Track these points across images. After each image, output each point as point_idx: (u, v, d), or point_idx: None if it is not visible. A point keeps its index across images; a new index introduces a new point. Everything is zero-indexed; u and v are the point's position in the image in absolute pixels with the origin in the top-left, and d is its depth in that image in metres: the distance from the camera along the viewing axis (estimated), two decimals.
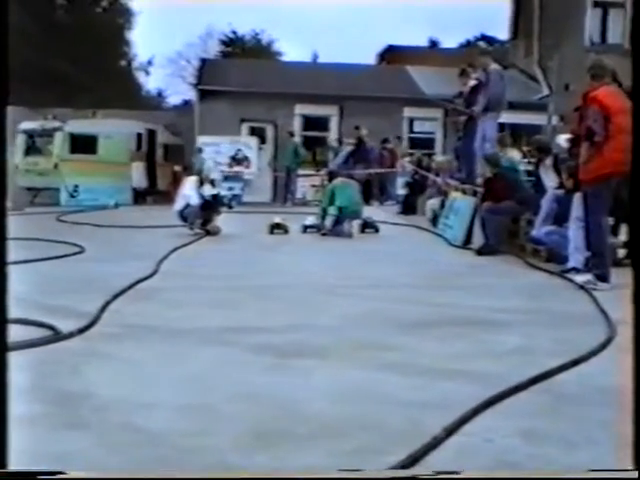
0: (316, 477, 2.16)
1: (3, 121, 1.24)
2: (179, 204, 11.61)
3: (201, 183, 11.69)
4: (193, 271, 7.84)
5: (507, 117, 13.82)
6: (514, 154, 11.23)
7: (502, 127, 14.88)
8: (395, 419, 3.17)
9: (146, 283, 6.72)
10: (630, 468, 1.97)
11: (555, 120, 17.71)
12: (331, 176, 12.68)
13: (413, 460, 2.68)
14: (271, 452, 2.79)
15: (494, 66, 11.41)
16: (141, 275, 6.85)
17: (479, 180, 10.83)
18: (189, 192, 11.55)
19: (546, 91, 21.02)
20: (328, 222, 11.56)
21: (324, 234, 11.45)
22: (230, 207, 11.04)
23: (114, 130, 20.17)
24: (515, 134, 17.36)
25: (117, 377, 3.76)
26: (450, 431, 2.95)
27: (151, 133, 21.94)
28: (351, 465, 2.67)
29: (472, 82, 11.68)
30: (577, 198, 7.28)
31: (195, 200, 11.43)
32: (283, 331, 4.89)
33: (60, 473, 1.75)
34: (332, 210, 11.57)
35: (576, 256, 7.32)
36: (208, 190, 11.57)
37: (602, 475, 2.18)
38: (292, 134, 21.09)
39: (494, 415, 3.22)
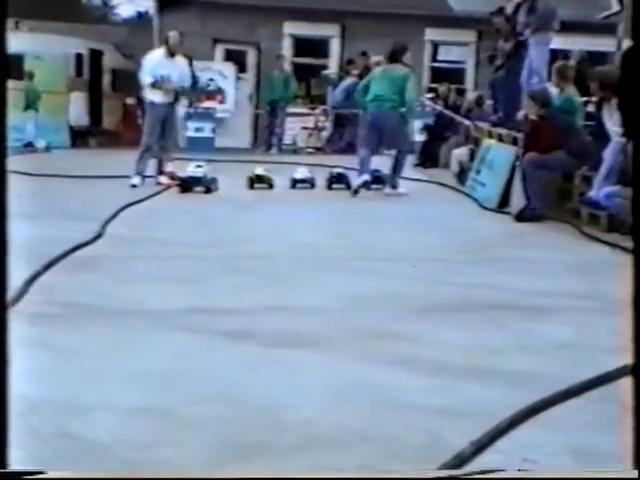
0: (317, 477, 2.26)
1: (3, 120, 1.51)
2: None
3: None
4: (148, 235, 7.82)
5: (561, 41, 13.74)
6: (570, 91, 11.16)
7: (554, 55, 14.79)
8: (407, 430, 3.17)
9: (87, 250, 6.70)
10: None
11: (627, 45, 17.58)
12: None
13: None
14: (247, 468, 2.79)
15: None
16: (80, 239, 6.83)
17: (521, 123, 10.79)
18: None
19: (615, 6, 20.83)
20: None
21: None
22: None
23: (46, 49, 20.01)
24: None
25: (48, 371, 3.74)
26: (479, 447, 2.95)
27: (95, 54, 21.80)
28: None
29: None
30: None
31: None
32: (264, 314, 4.89)
33: (40, 473, 1.92)
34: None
35: None
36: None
37: (602, 475, 2.39)
38: (281, 60, 20.96)
39: (537, 428, 3.22)
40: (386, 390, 3.63)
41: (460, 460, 2.85)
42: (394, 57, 11.89)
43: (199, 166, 11.39)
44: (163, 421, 3.21)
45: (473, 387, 3.69)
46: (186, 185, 11.12)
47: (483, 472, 2.39)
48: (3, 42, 1.75)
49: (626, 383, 3.73)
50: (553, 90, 10.77)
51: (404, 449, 3.01)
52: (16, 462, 2.76)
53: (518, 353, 4.25)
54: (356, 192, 11.31)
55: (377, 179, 12.02)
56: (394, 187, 11.66)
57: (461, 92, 19.05)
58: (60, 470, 2.50)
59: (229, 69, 21.22)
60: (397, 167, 11.78)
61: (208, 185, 11.12)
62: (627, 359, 3.92)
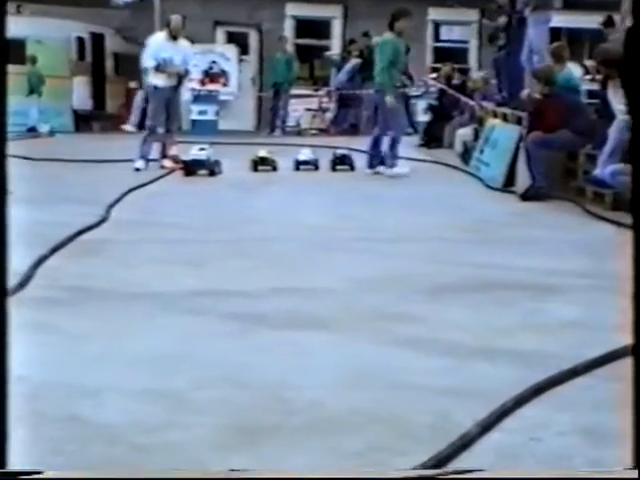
0: (317, 477, 2.25)
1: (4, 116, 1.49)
2: None
3: None
4: (153, 219, 7.82)
5: (563, 20, 13.68)
6: (573, 69, 11.14)
7: (557, 34, 14.73)
8: (415, 410, 3.17)
9: (92, 234, 6.70)
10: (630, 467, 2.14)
11: (630, 22, 17.51)
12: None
13: (437, 462, 2.68)
14: (255, 451, 2.79)
15: None
16: (85, 223, 6.84)
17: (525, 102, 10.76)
18: None
19: None
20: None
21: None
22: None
23: (47, 33, 19.94)
24: (574, 43, 17.19)
25: (55, 355, 3.75)
26: (486, 426, 2.95)
27: (97, 38, 21.71)
28: (358, 468, 2.67)
29: None
30: None
31: None
32: (270, 296, 4.89)
33: (37, 472, 1.91)
34: None
35: None
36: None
37: (602, 475, 2.40)
38: (283, 41, 20.87)
39: (544, 406, 3.22)
40: (394, 371, 3.63)
41: (467, 439, 2.85)
42: (389, 25, 11.44)
43: (203, 149, 11.38)
44: (171, 404, 3.22)
45: (481, 367, 3.69)
46: (190, 168, 11.10)
47: (462, 472, 2.37)
48: (2, 25, 1.73)
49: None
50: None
51: (413, 429, 3.01)
52: (23, 445, 2.76)
53: (525, 332, 4.25)
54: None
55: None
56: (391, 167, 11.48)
57: (464, 72, 18.96)
58: (59, 470, 2.47)
59: (231, 52, 21.14)
60: (391, 147, 11.58)
61: (212, 168, 11.10)
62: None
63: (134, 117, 19.55)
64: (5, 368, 1.64)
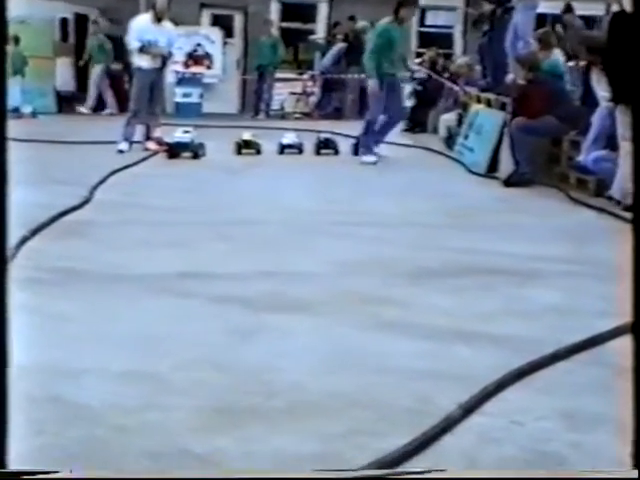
0: (317, 477, 2.27)
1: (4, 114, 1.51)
2: None
3: None
4: (137, 201, 7.79)
5: (548, 6, 13.66)
6: (558, 56, 11.12)
7: (542, 20, 14.72)
8: (397, 393, 3.18)
9: (75, 215, 6.68)
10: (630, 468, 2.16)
11: (616, 8, 17.46)
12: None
13: (419, 445, 2.69)
14: (236, 434, 2.79)
15: None
16: (68, 205, 6.81)
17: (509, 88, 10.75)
18: None
19: None
20: None
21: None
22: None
23: (31, 13, 19.78)
24: (559, 29, 17.17)
25: (37, 336, 3.73)
26: (467, 410, 2.97)
27: (81, 19, 21.56)
28: (339, 452, 2.68)
29: None
30: (620, 111, 7.38)
31: None
32: (253, 279, 4.89)
33: (40, 473, 1.91)
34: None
35: (622, 185, 7.45)
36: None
37: (602, 475, 2.40)
38: (268, 24, 20.79)
39: (525, 391, 3.24)
40: (375, 354, 3.64)
41: (449, 422, 2.86)
42: (394, 12, 11.21)
43: (186, 132, 11.33)
44: (152, 386, 3.21)
45: (462, 351, 3.70)
46: (173, 151, 11.06)
47: (422, 472, 2.38)
48: (3, 5, 1.74)
49: (614, 346, 3.76)
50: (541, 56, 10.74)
51: (393, 412, 3.02)
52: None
53: (506, 317, 4.26)
54: None
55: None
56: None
57: (448, 57, 18.94)
58: (63, 470, 2.49)
59: (216, 34, 21.05)
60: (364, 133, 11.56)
61: (195, 150, 11.06)
62: (614, 322, 3.95)
63: (90, 99, 19.51)
64: (5, 368, 1.65)
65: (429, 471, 2.40)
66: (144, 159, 10.77)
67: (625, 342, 3.83)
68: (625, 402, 3.19)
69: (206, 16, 21.88)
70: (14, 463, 1.96)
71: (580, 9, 19.22)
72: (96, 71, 19.68)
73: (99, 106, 19.47)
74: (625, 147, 7.52)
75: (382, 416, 2.98)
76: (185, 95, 19.13)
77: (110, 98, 19.41)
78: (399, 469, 2.48)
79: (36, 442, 2.68)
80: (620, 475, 2.30)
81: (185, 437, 2.77)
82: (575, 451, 2.75)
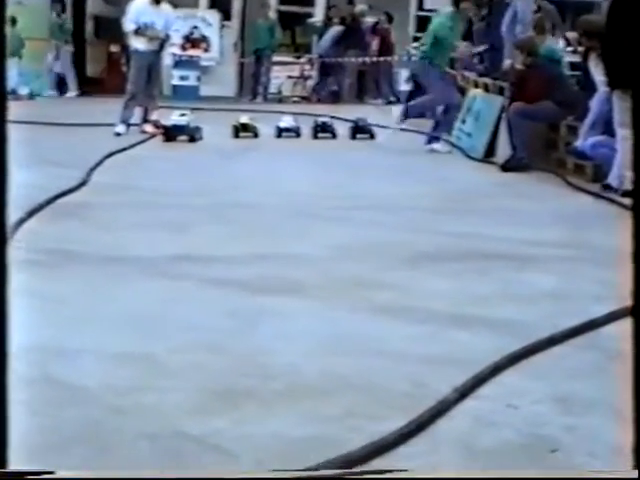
0: (317, 477, 2.28)
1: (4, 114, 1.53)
2: None
3: None
4: (133, 183, 7.78)
5: None
6: (555, 41, 11.11)
7: (538, 5, 14.66)
8: (392, 376, 3.18)
9: (71, 197, 6.67)
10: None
11: None
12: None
13: (415, 428, 2.69)
14: (232, 416, 2.80)
15: None
16: (64, 187, 6.79)
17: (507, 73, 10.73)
18: None
19: None
20: None
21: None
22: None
23: None
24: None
25: (32, 317, 3.73)
26: (462, 393, 2.97)
27: (77, 0, 21.49)
28: (335, 434, 2.68)
29: None
30: (617, 97, 7.37)
31: None
32: (249, 262, 4.89)
33: (45, 473, 1.90)
34: None
35: (619, 173, 7.44)
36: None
37: (602, 475, 2.40)
38: (266, 7, 20.71)
39: (520, 375, 3.24)
40: (371, 338, 3.64)
41: (444, 405, 2.86)
42: (455, 3, 11.18)
43: (183, 114, 11.29)
44: (148, 367, 3.21)
45: (458, 335, 3.70)
46: (170, 134, 11.02)
47: (383, 472, 2.37)
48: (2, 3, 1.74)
49: (609, 330, 3.76)
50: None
51: (389, 396, 3.02)
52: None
53: (503, 301, 4.26)
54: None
55: (359, 129, 11.94)
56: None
57: None
58: (70, 470, 2.51)
59: (213, 17, 20.97)
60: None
61: (192, 134, 11.03)
62: (610, 307, 3.96)
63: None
64: (5, 368, 1.66)
65: (390, 471, 2.38)
66: (141, 142, 10.75)
67: (621, 327, 3.84)
68: (620, 386, 3.20)
69: None
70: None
71: None
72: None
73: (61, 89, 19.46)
74: (621, 133, 7.51)
75: (378, 399, 2.98)
76: (182, 78, 19.08)
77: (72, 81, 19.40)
78: (358, 469, 2.46)
79: (32, 423, 2.68)
80: (620, 475, 2.30)
81: (181, 419, 2.77)
82: (570, 435, 2.75)
